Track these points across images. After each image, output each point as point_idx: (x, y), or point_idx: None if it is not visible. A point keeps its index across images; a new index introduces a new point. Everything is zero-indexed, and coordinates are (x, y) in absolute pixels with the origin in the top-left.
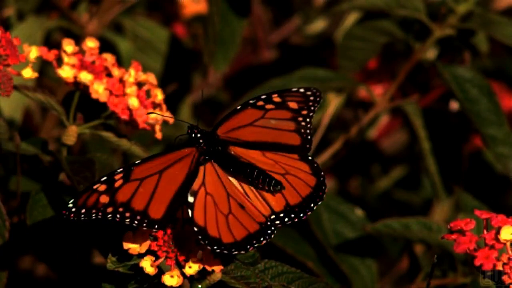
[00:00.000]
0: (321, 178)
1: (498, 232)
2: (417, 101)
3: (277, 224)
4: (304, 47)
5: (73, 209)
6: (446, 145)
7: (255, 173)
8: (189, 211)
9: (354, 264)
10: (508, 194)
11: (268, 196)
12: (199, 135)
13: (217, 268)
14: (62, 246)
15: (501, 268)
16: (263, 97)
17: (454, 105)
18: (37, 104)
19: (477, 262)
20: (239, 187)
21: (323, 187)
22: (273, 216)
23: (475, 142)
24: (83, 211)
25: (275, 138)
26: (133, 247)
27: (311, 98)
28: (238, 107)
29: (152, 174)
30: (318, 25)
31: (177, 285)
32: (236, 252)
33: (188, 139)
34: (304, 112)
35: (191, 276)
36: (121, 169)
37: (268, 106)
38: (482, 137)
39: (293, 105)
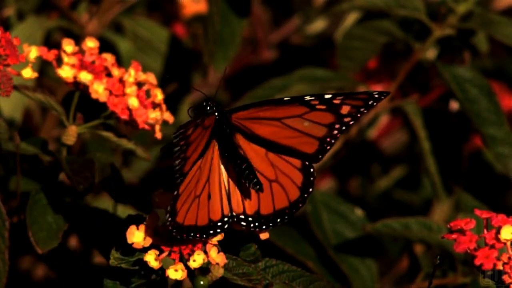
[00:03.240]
0: (305, 195)
1: (498, 231)
2: (417, 101)
3: (234, 223)
4: (304, 47)
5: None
6: (446, 145)
7: (243, 166)
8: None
9: (354, 264)
10: (508, 194)
11: (245, 196)
12: (214, 108)
13: (221, 262)
14: (62, 246)
15: (501, 268)
16: (327, 96)
17: (454, 105)
18: (37, 104)
19: (477, 262)
20: (224, 175)
21: (299, 205)
22: (242, 216)
23: (475, 142)
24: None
25: (290, 141)
26: (137, 241)
27: (370, 102)
28: (287, 99)
29: (200, 132)
30: (318, 25)
31: (182, 279)
32: (175, 232)
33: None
34: (347, 119)
35: (193, 273)
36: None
37: (320, 107)
38: (482, 137)
39: (344, 109)
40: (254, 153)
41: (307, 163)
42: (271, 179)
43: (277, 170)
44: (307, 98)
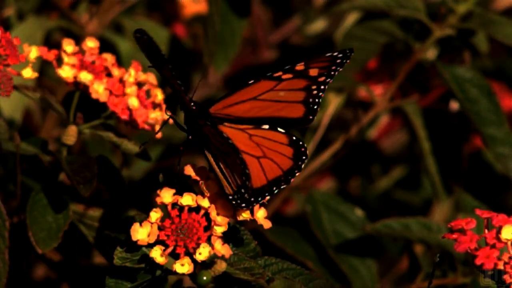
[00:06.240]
0: (299, 162)
1: (499, 231)
2: (417, 101)
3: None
4: (304, 47)
5: None
6: (446, 145)
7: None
8: None
9: (354, 264)
10: (508, 194)
11: None
12: (193, 104)
13: (227, 254)
14: (62, 246)
15: (502, 268)
16: (286, 67)
17: (454, 105)
18: (37, 104)
19: (478, 262)
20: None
21: (295, 172)
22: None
23: (475, 142)
24: None
25: (275, 112)
26: (141, 238)
27: (338, 61)
28: (250, 81)
29: None
30: (318, 25)
31: (189, 273)
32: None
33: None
34: (321, 79)
35: (194, 270)
36: None
37: (286, 76)
38: (482, 137)
39: (313, 72)
40: (236, 138)
41: (294, 137)
42: (258, 156)
43: (264, 148)
44: (269, 74)
